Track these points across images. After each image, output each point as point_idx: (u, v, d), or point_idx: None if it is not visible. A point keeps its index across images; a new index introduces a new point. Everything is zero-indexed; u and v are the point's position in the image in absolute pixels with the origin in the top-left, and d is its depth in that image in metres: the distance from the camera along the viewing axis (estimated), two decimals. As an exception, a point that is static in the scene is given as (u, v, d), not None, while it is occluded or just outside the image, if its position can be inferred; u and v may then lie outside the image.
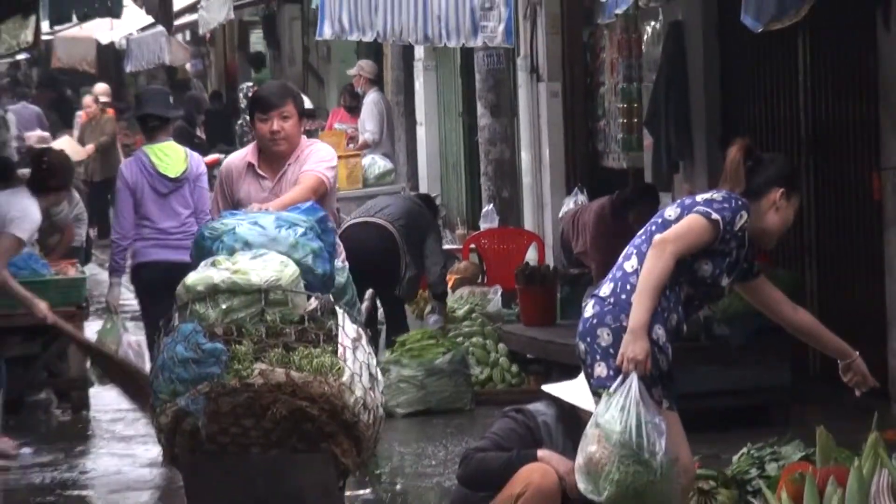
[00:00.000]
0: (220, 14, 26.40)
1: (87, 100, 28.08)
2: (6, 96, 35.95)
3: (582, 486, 7.95)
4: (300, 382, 7.54)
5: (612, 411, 7.77)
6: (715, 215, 8.01)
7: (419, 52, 22.36)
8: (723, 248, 8.09)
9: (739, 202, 8.15)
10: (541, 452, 8.41)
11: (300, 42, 28.20)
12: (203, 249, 8.51)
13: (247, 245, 8.31)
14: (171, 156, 12.77)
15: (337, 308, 8.18)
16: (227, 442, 7.72)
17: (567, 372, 8.40)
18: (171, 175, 12.68)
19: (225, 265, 8.11)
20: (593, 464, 7.81)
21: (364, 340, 8.15)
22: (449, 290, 15.63)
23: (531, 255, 16.75)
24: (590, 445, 7.84)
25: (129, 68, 31.25)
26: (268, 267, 8.11)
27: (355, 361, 7.83)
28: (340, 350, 7.82)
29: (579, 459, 7.90)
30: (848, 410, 10.98)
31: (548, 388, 8.77)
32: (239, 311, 7.97)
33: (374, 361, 8.21)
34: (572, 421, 8.45)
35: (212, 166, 21.12)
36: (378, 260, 14.15)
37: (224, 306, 7.95)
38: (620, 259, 8.28)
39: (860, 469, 8.37)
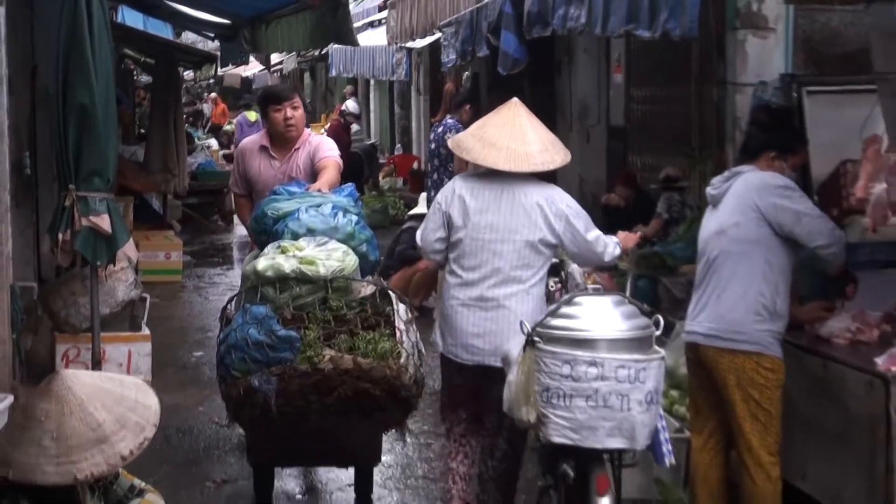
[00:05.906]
0: (291, 65, 25.55)
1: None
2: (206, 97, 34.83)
3: None
4: (366, 368, 3.82)
5: None
6: None
7: (372, 81, 21.47)
8: None
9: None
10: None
11: (325, 77, 27.19)
12: (265, 227, 4.36)
13: (310, 231, 4.22)
14: None
15: (390, 292, 4.19)
16: (290, 411, 3.92)
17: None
18: None
19: (292, 252, 4.10)
20: None
21: (413, 321, 4.15)
22: (381, 180, 15.16)
23: (415, 165, 16.08)
24: None
25: (254, 87, 30.22)
26: (332, 257, 4.09)
27: (409, 343, 3.99)
28: (398, 334, 3.96)
29: None
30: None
31: (410, 212, 8.37)
32: (306, 297, 4.02)
33: (419, 337, 4.15)
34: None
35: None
36: (355, 167, 13.61)
37: (293, 292, 4.01)
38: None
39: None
